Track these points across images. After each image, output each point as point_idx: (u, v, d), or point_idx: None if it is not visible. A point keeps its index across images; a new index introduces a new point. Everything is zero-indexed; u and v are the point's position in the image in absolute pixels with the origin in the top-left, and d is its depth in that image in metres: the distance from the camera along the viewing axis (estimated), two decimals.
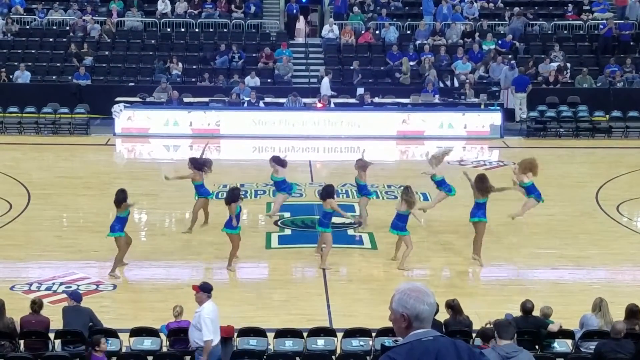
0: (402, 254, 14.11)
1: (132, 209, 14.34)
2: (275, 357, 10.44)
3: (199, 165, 15.49)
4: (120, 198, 13.77)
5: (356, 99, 25.42)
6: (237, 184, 16.70)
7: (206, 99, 25.20)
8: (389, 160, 22.87)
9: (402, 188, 14.72)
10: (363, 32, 28.55)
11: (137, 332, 10.85)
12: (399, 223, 13.94)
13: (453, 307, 10.66)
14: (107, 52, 28.09)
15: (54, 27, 29.04)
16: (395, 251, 14.39)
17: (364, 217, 15.94)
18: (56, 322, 10.84)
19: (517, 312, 10.85)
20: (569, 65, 27.28)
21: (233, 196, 13.89)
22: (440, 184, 15.92)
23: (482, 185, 14.17)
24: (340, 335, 10.80)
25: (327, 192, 14.09)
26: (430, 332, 4.31)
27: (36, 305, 10.80)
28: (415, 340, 4.26)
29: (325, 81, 25.42)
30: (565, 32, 29.45)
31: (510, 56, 27.19)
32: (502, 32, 28.92)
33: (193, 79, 26.97)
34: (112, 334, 10.76)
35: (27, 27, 29.04)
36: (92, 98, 25.41)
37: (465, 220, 15.22)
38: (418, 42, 28.32)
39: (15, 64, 26.70)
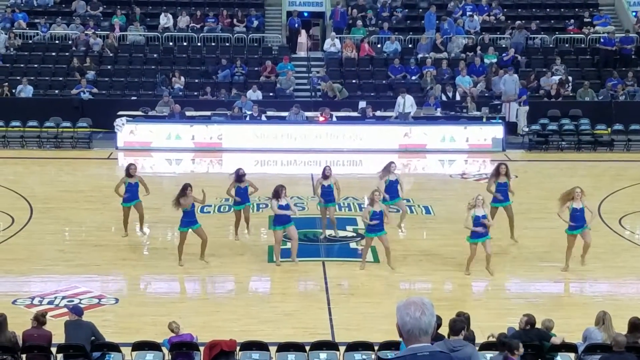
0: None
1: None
2: None
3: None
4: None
5: (358, 113, 25.46)
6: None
7: (208, 113, 25.26)
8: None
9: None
10: (363, 44, 28.59)
11: (139, 346, 10.82)
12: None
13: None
14: (109, 66, 28.18)
15: (57, 42, 29.14)
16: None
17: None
18: (59, 336, 10.82)
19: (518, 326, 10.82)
20: (570, 78, 27.33)
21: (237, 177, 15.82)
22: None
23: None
24: (342, 349, 10.78)
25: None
26: (427, 347, 4.29)
27: (44, 317, 10.78)
28: (409, 354, 4.25)
29: (410, 99, 25.15)
30: (567, 45, 29.52)
31: (512, 69, 27.22)
32: (503, 45, 28.99)
33: (195, 93, 27.04)
34: (114, 348, 10.74)
35: (30, 41, 29.15)
36: (95, 112, 25.49)
37: (466, 234, 15.16)
38: (420, 55, 28.39)
39: (18, 78, 26.77)
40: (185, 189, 14.64)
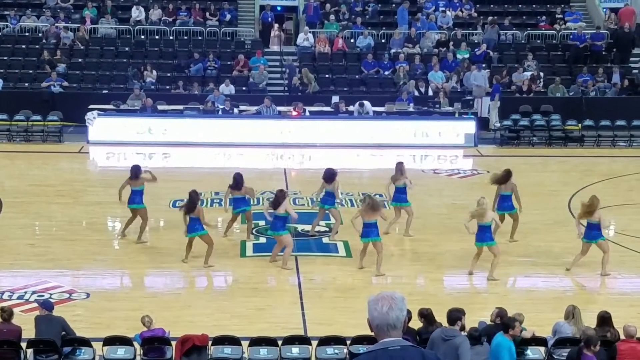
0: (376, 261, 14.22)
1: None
2: None
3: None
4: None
5: (331, 108, 25.47)
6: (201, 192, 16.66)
7: (180, 107, 25.13)
8: (364, 168, 22.94)
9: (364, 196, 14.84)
10: (336, 39, 28.61)
11: (110, 341, 10.77)
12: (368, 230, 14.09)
13: (426, 316, 10.67)
14: (80, 59, 27.92)
15: (27, 34, 28.83)
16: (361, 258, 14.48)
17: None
18: (28, 331, 10.73)
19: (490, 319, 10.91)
20: (542, 74, 27.54)
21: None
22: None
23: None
24: (315, 343, 10.80)
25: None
26: (398, 341, 4.31)
27: (6, 313, 10.67)
28: (380, 348, 4.28)
29: (368, 105, 24.92)
30: (539, 41, 29.73)
31: (484, 65, 27.38)
32: (476, 41, 29.14)
33: (167, 87, 26.89)
34: (85, 343, 10.67)
35: None
36: (65, 105, 25.24)
37: (437, 229, 15.23)
38: (393, 50, 28.45)
39: None
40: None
